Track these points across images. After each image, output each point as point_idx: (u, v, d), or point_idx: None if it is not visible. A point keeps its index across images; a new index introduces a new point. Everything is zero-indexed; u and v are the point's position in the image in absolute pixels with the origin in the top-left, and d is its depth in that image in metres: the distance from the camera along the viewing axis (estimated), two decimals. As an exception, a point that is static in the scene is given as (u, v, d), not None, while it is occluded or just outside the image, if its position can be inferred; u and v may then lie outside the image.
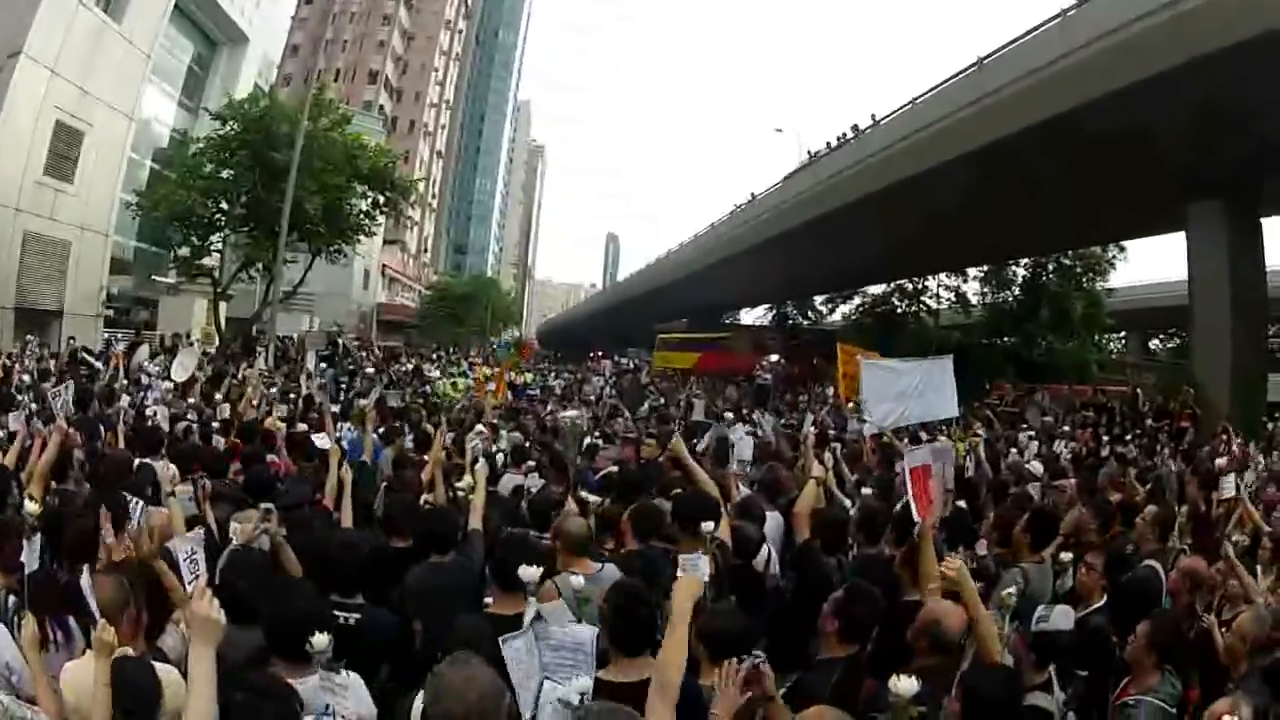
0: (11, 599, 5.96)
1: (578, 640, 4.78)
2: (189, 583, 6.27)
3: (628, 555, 7.69)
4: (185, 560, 6.52)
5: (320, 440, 11.46)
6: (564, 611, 5.16)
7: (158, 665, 4.76)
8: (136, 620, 5.29)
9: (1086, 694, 6.35)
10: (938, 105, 35.24)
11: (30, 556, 5.90)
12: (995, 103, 30.72)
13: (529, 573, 5.18)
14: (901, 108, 39.13)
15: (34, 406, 13.02)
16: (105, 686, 4.41)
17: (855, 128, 43.78)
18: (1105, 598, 7.65)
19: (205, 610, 3.70)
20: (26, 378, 19.09)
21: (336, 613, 5.94)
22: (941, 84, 35.66)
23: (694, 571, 6.24)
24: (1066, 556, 8.16)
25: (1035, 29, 29.67)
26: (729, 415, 18.45)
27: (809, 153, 49.75)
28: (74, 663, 5.00)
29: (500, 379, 26.29)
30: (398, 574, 7.20)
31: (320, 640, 4.67)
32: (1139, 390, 35.20)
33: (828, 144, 46.76)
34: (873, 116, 42.03)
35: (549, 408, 25.08)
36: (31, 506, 6.19)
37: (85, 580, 5.86)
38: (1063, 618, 7.06)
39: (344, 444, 11.28)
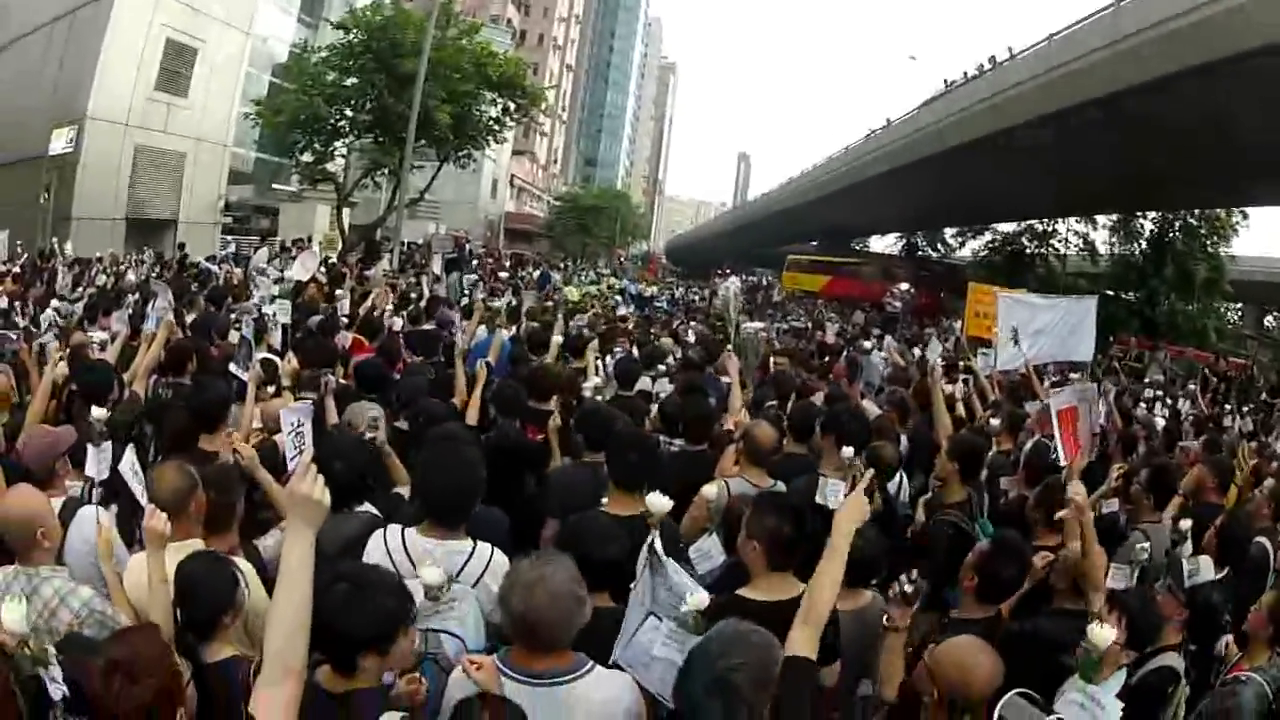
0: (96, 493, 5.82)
1: (682, 589, 4.32)
2: (291, 458, 6.28)
3: (788, 457, 7.56)
4: (290, 433, 6.49)
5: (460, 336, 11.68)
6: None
7: (238, 562, 4.63)
8: (213, 514, 5.16)
9: (1195, 667, 6.08)
10: (1070, 46, 34.47)
11: (97, 465, 5.71)
12: (1127, 49, 29.76)
13: (658, 503, 4.75)
14: (1036, 44, 38.44)
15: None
16: (161, 582, 4.31)
17: (992, 59, 43.29)
18: (1221, 571, 7.04)
19: (307, 489, 3.18)
20: (132, 276, 19.21)
21: None
22: (1074, 24, 34.80)
23: (832, 498, 6.11)
24: (1186, 524, 7.50)
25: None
26: (865, 344, 18.33)
27: (945, 82, 49.53)
28: (136, 556, 4.87)
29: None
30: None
31: (431, 574, 4.33)
32: (1255, 365, 34.51)
33: (964, 74, 46.48)
34: (1009, 49, 41.49)
35: (676, 322, 25.03)
36: (98, 412, 5.84)
37: (126, 463, 5.67)
38: (1207, 568, 6.67)
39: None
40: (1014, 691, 3.94)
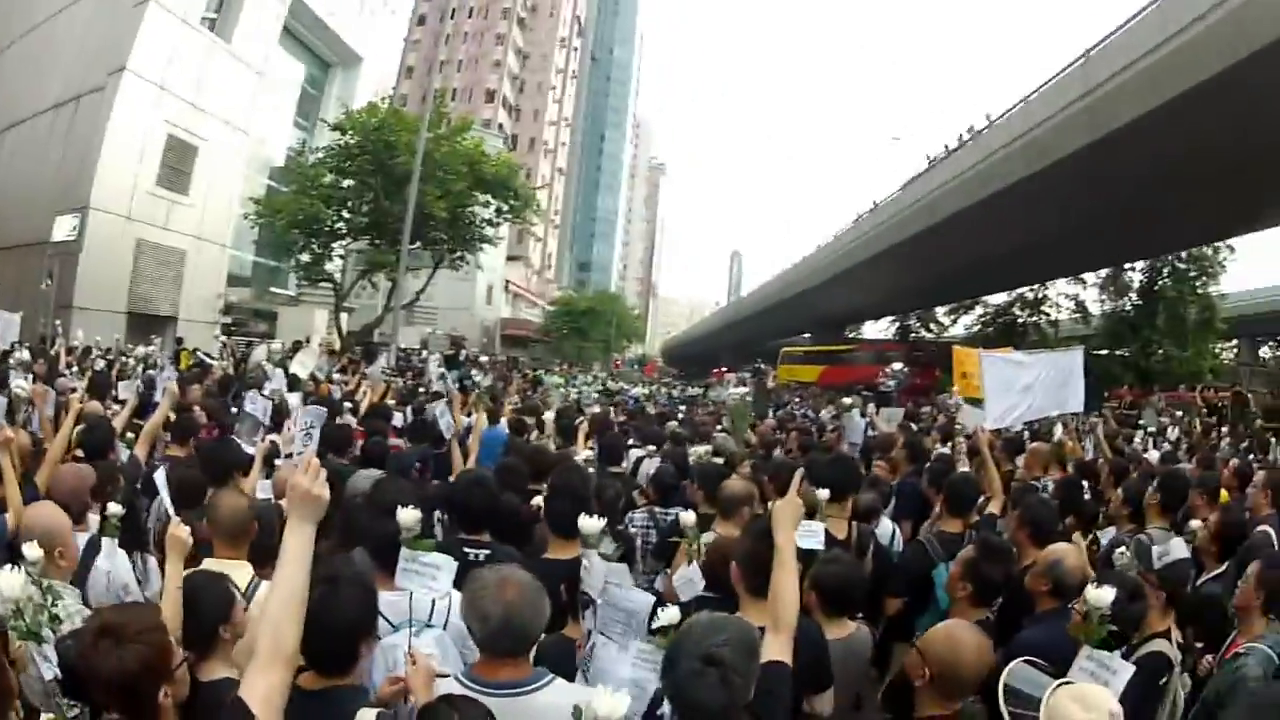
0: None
1: (632, 606, 4.57)
2: (296, 453, 6.58)
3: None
4: (301, 431, 6.84)
5: (443, 420, 11.27)
6: (625, 572, 4.92)
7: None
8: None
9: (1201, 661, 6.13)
10: (1047, 103, 34.85)
11: (109, 559, 5.69)
12: (1101, 96, 30.25)
13: (589, 524, 5.03)
14: (1012, 107, 38.89)
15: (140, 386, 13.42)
16: (176, 589, 4.38)
17: (971, 129, 43.82)
18: (1222, 565, 7.41)
19: (308, 483, 3.31)
20: (142, 349, 20.58)
21: (466, 549, 5.90)
22: (1049, 81, 35.31)
23: (810, 539, 6.16)
24: (1196, 524, 7.87)
25: (1133, 17, 29.21)
26: (845, 400, 18.56)
27: (928, 158, 50.03)
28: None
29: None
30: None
31: (407, 515, 4.56)
32: (1249, 395, 34.69)
33: (945, 147, 46.96)
34: (987, 116, 42.04)
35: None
36: (115, 508, 5.74)
37: (160, 475, 6.19)
38: (1178, 548, 6.93)
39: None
40: (1020, 659, 4.11)
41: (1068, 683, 3.82)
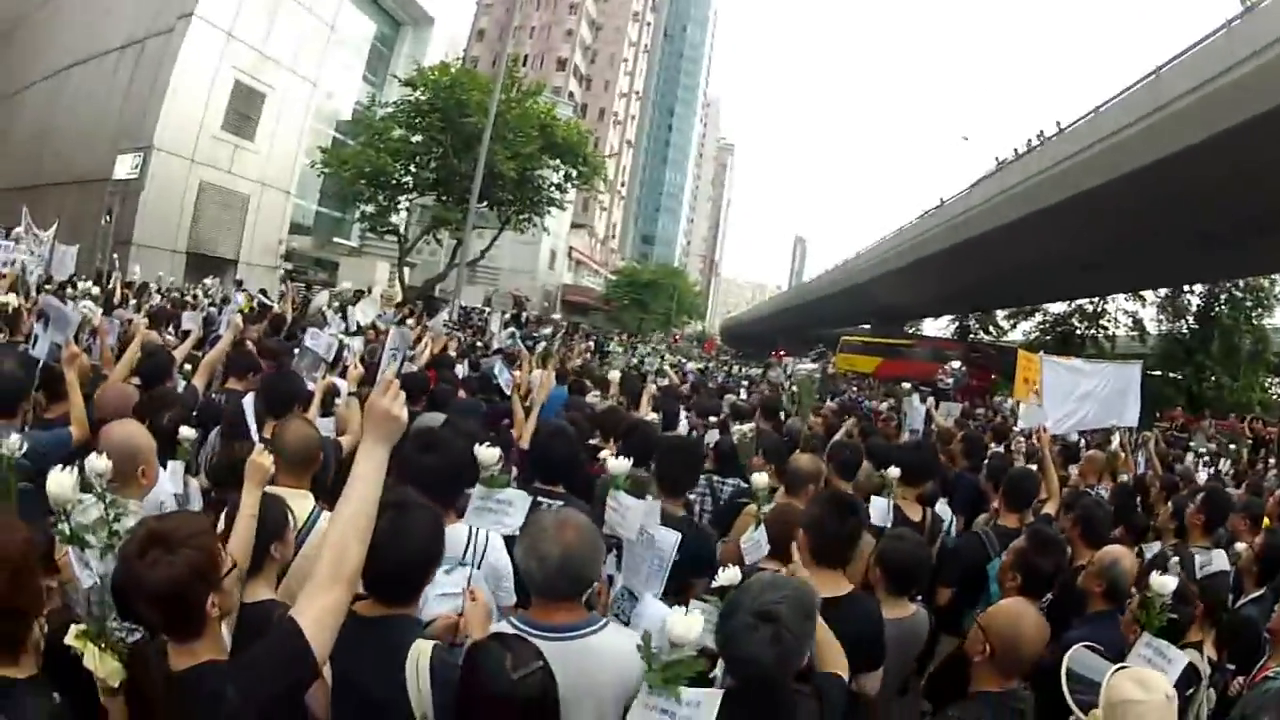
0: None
1: (658, 545, 4.70)
2: (380, 372, 6.76)
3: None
4: (390, 350, 7.51)
5: (503, 377, 11.44)
6: (656, 510, 4.99)
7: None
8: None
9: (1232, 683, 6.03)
10: (1116, 116, 34.43)
11: (174, 480, 5.64)
12: (1171, 114, 29.76)
13: (617, 465, 5.14)
14: (1081, 118, 38.52)
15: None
16: (250, 517, 4.26)
17: (1041, 134, 43.31)
18: (1261, 588, 7.27)
19: (386, 403, 3.25)
20: (209, 281, 21.11)
21: (540, 499, 5.79)
22: (1118, 95, 35.01)
23: (877, 515, 6.75)
24: (1241, 546, 7.86)
25: (1205, 38, 28.81)
26: (906, 385, 18.52)
27: (996, 160, 49.35)
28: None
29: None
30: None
31: (486, 454, 4.63)
32: None
33: (1015, 150, 46.36)
34: (1058, 124, 41.46)
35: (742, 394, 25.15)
36: (187, 432, 5.93)
37: (249, 401, 6.54)
38: (1220, 559, 7.09)
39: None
40: (1081, 644, 4.07)
41: (1126, 667, 3.83)
